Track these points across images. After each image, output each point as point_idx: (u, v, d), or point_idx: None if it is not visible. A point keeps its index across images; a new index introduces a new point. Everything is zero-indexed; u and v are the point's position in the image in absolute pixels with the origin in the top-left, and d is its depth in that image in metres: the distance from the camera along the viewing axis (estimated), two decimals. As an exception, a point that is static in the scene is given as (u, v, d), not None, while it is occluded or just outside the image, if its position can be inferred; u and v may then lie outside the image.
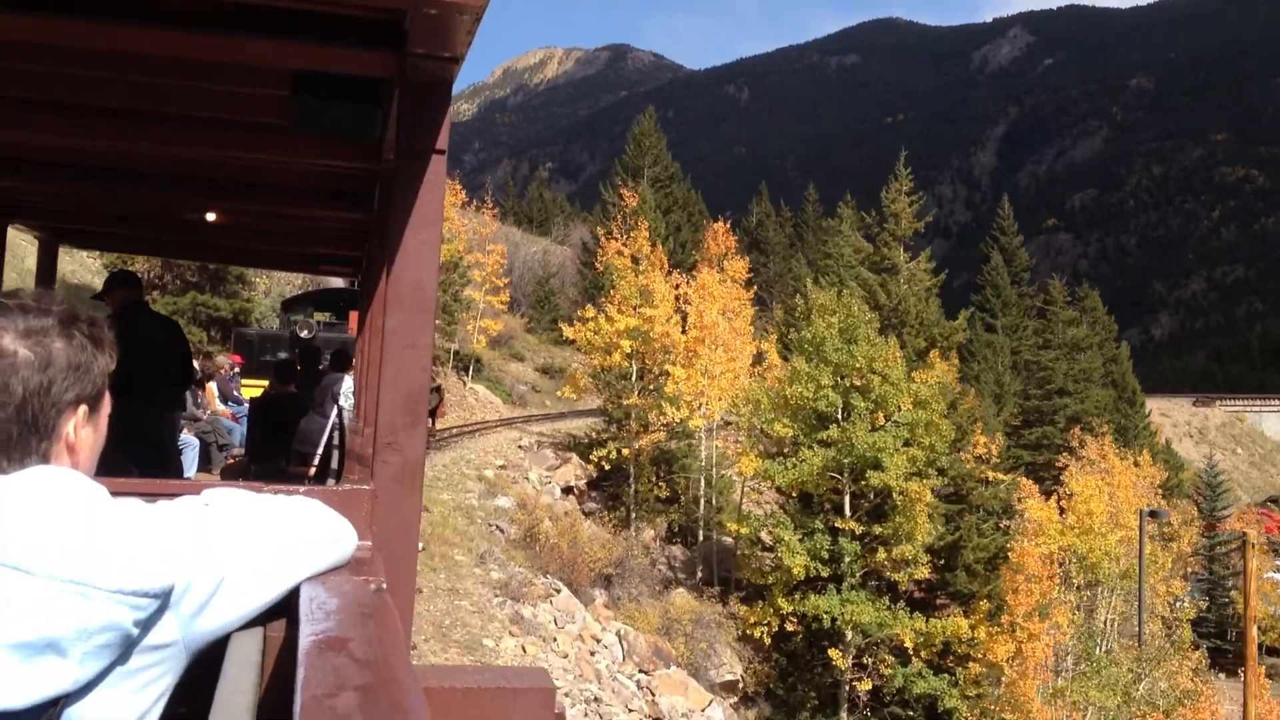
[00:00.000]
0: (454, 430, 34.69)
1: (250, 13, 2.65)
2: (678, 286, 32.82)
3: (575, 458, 34.94)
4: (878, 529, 25.70)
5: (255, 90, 3.59)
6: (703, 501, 31.99)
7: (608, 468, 32.40)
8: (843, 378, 26.51)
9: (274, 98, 3.37)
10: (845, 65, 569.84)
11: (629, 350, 32.21)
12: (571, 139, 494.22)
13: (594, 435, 34.55)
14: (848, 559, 25.77)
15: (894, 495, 25.12)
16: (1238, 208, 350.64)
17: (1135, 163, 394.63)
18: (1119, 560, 28.43)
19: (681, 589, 28.18)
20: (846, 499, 26.64)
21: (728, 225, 44.43)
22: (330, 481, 7.91)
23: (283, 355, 17.30)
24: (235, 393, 16.16)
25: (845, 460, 25.69)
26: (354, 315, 19.55)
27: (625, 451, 32.27)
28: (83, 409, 1.51)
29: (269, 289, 40.66)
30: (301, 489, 2.28)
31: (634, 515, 33.03)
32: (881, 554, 25.61)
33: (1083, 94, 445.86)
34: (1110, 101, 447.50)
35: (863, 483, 25.71)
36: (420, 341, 2.76)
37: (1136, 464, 33.53)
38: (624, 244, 36.69)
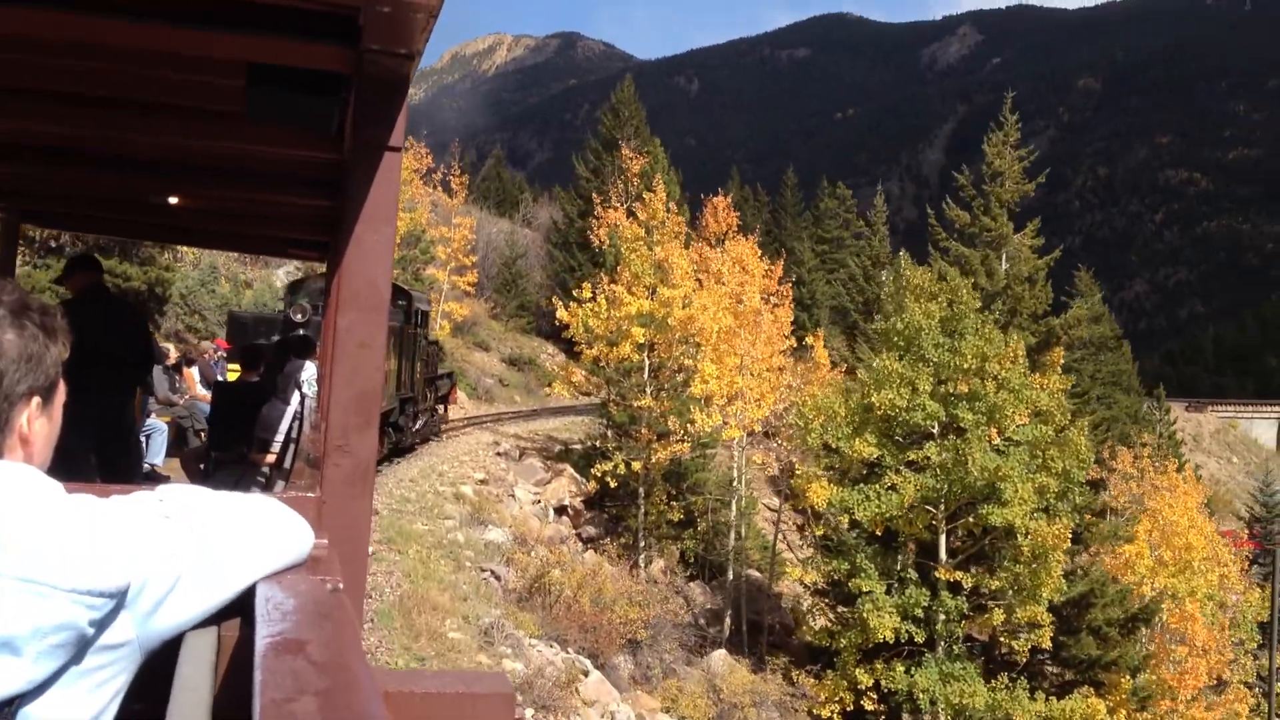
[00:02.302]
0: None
1: (206, 4, 2.64)
2: (704, 263, 26.52)
3: (569, 470, 28.64)
4: (993, 582, 19.70)
5: (216, 80, 3.50)
6: (733, 531, 25.81)
7: (613, 485, 26.15)
8: (943, 382, 20.49)
9: (235, 88, 3.02)
10: (796, 59, 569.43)
11: (641, 340, 25.98)
12: (520, 126, 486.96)
13: (594, 444, 28.30)
14: (943, 618, 19.78)
15: (1016, 537, 19.13)
16: (1181, 210, 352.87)
17: (1081, 163, 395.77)
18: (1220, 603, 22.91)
19: (721, 650, 22.00)
20: (942, 540, 20.65)
21: (729, 200, 38.13)
22: (279, 484, 7.57)
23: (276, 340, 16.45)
24: (220, 377, 15.70)
25: (947, 490, 19.67)
26: None
27: (636, 465, 26.04)
28: (36, 400, 1.49)
29: (198, 259, 34.11)
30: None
31: (644, 544, 26.84)
32: (997, 614, 19.62)
33: (1030, 93, 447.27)
34: (1057, 101, 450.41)
35: (969, 519, 19.72)
36: (374, 341, 2.73)
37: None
38: (627, 210, 30.26)
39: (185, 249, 30.45)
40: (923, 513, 20.37)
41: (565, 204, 58.60)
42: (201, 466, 9.63)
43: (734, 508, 25.73)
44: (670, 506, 27.69)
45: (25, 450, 1.48)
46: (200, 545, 1.55)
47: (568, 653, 16.30)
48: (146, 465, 11.24)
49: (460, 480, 25.67)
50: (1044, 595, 19.28)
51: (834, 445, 20.89)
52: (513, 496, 26.80)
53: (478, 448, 30.36)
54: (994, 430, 20.01)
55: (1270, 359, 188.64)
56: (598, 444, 27.96)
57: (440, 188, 42.57)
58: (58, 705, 1.27)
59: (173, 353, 15.99)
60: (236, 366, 15.11)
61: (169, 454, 12.28)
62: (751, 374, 24.24)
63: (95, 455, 6.99)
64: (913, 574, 20.03)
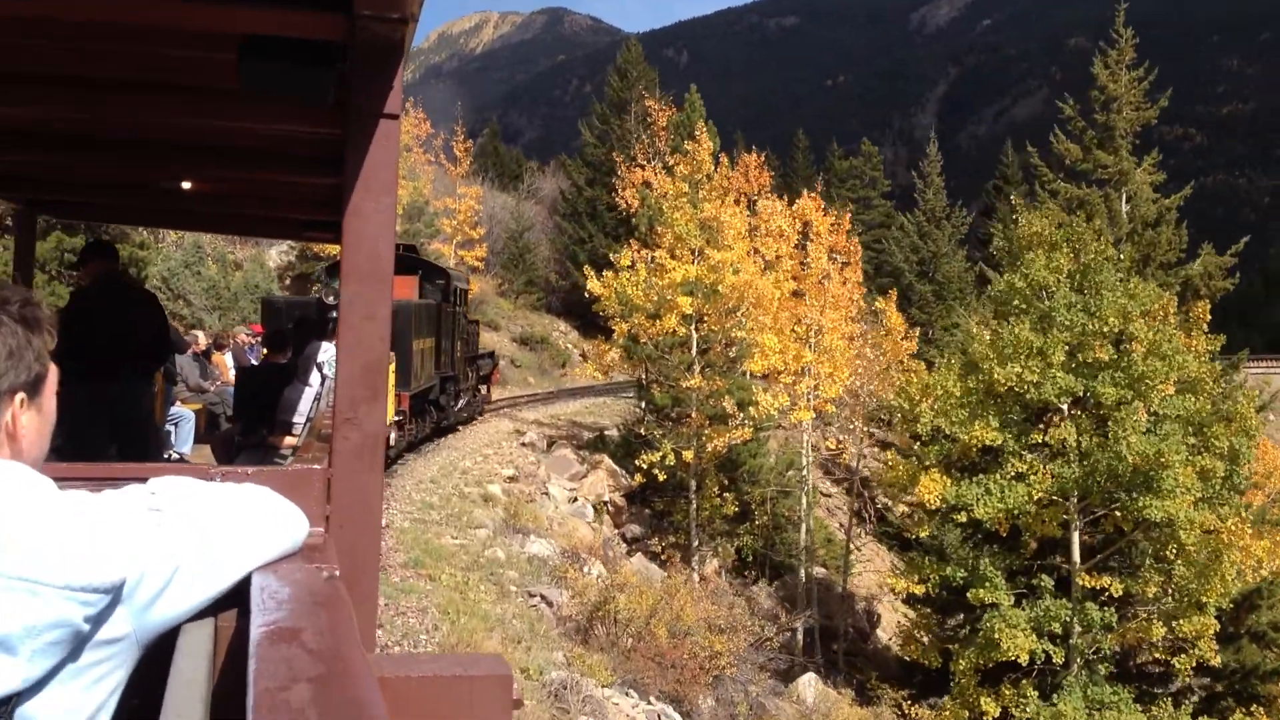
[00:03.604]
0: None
1: None
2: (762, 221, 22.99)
3: (607, 462, 25.29)
4: (1149, 588, 16.41)
5: (218, 56, 3.25)
6: (803, 526, 22.48)
7: (662, 477, 22.81)
8: (1075, 352, 17.11)
9: (235, 63, 2.96)
10: (784, 27, 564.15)
11: (688, 311, 22.57)
12: (509, 104, 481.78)
13: (633, 431, 24.97)
14: (1079, 630, 16.50)
15: (1178, 533, 15.75)
16: (1178, 166, 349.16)
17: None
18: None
19: (810, 675, 18.68)
20: (1075, 538, 17.33)
21: (761, 158, 34.46)
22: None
23: None
24: (254, 363, 14.90)
25: (1087, 479, 16.32)
26: None
27: (687, 455, 22.71)
28: (20, 396, 1.46)
29: (180, 237, 30.75)
30: (250, 470, 2.18)
31: (697, 543, 23.57)
32: (1156, 628, 16.30)
33: (1021, 54, 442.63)
34: (1049, 61, 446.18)
35: (1115, 513, 16.40)
36: (378, 312, 2.69)
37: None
38: (662, 166, 26.71)
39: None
40: (1055, 507, 17.03)
41: (573, 172, 54.98)
42: (228, 450, 9.52)
43: (803, 500, 22.39)
44: (723, 499, 24.41)
45: (13, 446, 1.45)
46: (195, 537, 1.53)
47: (649, 702, 13.08)
48: (175, 453, 11.03)
49: (487, 478, 22.55)
50: (1209, 604, 16.01)
51: (949, 431, 17.52)
52: (546, 494, 23.62)
53: (499, 437, 27.19)
54: (1140, 406, 16.63)
55: (1278, 313, 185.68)
56: (639, 431, 24.60)
57: (444, 154, 39.01)
58: (56, 703, 1.26)
59: (202, 339, 15.47)
60: None
61: (202, 440, 11.93)
62: (821, 346, 20.85)
63: (113, 442, 6.84)
64: (1046, 581, 16.75)
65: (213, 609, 1.57)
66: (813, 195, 22.57)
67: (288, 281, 34.09)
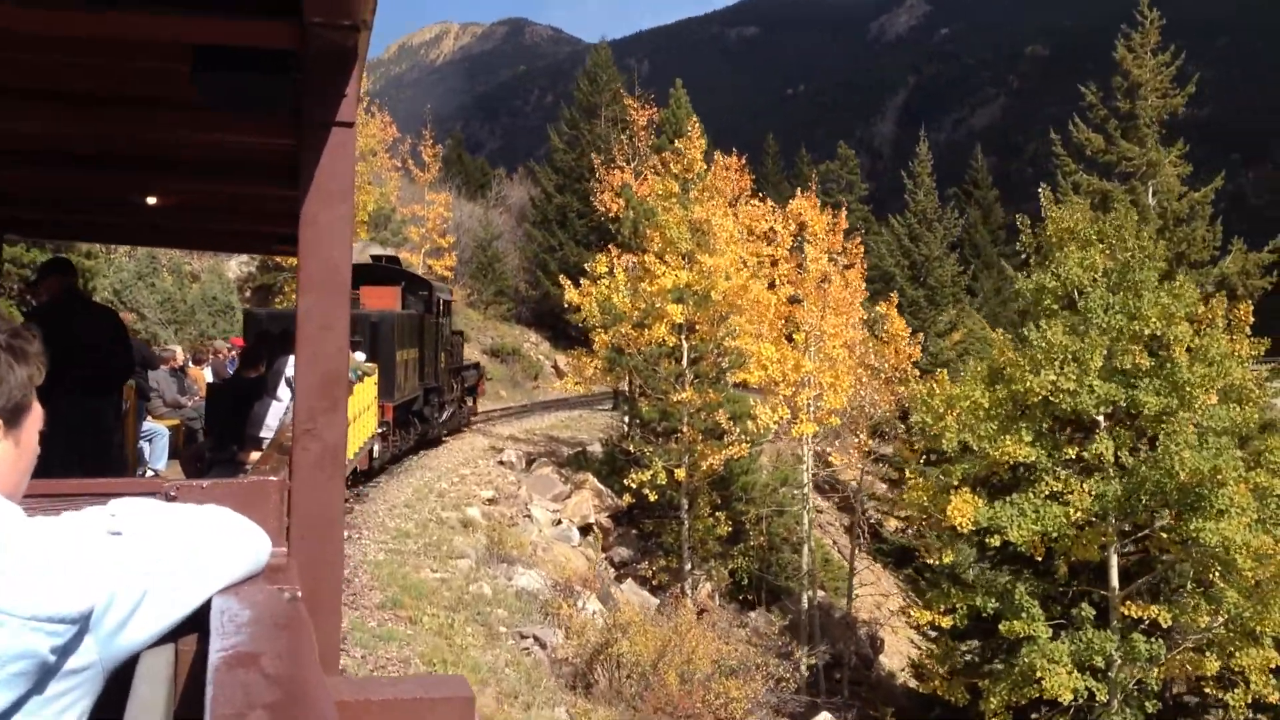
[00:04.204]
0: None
1: None
2: (758, 224, 21.52)
3: (592, 481, 23.70)
4: (1200, 618, 15.06)
5: (171, 66, 3.28)
6: (806, 548, 21.00)
7: (653, 497, 21.27)
8: (1110, 357, 15.75)
9: (188, 74, 3.04)
10: (745, 37, 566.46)
11: (679, 319, 21.07)
12: (471, 115, 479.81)
13: (619, 448, 23.44)
14: (1121, 664, 15.11)
15: (1234, 558, 14.38)
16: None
17: (1033, 130, 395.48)
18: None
19: (825, 715, 17.14)
20: (1113, 562, 15.95)
21: (741, 160, 33.04)
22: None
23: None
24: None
25: (1133, 499, 14.92)
26: (364, 289, 18.63)
27: (679, 473, 21.19)
28: None
29: (133, 248, 28.94)
30: (206, 484, 2.20)
31: (690, 566, 22.05)
32: (1210, 663, 14.95)
33: (980, 63, 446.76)
34: (1007, 70, 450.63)
35: (1161, 534, 15.03)
36: (336, 323, 2.69)
37: None
38: (650, 168, 25.19)
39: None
40: (1093, 529, 15.64)
41: (542, 179, 53.41)
42: (198, 465, 9.48)
43: (804, 519, 20.90)
44: (716, 519, 22.92)
45: None
46: (159, 562, 1.51)
47: (664, 762, 11.58)
48: (150, 470, 10.76)
49: (465, 500, 21.05)
50: (1265, 636, 14.69)
51: (977, 447, 16.09)
52: (529, 517, 22.06)
53: (475, 455, 25.70)
54: (1187, 417, 15.27)
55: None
56: (626, 448, 23.05)
57: (410, 160, 37.31)
58: None
59: (179, 354, 14.93)
60: None
61: (178, 456, 11.63)
62: (822, 354, 19.43)
63: (71, 459, 6.37)
64: (1087, 610, 15.36)
65: (173, 633, 1.53)
66: (807, 194, 21.14)
67: (248, 293, 32.32)
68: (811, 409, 19.75)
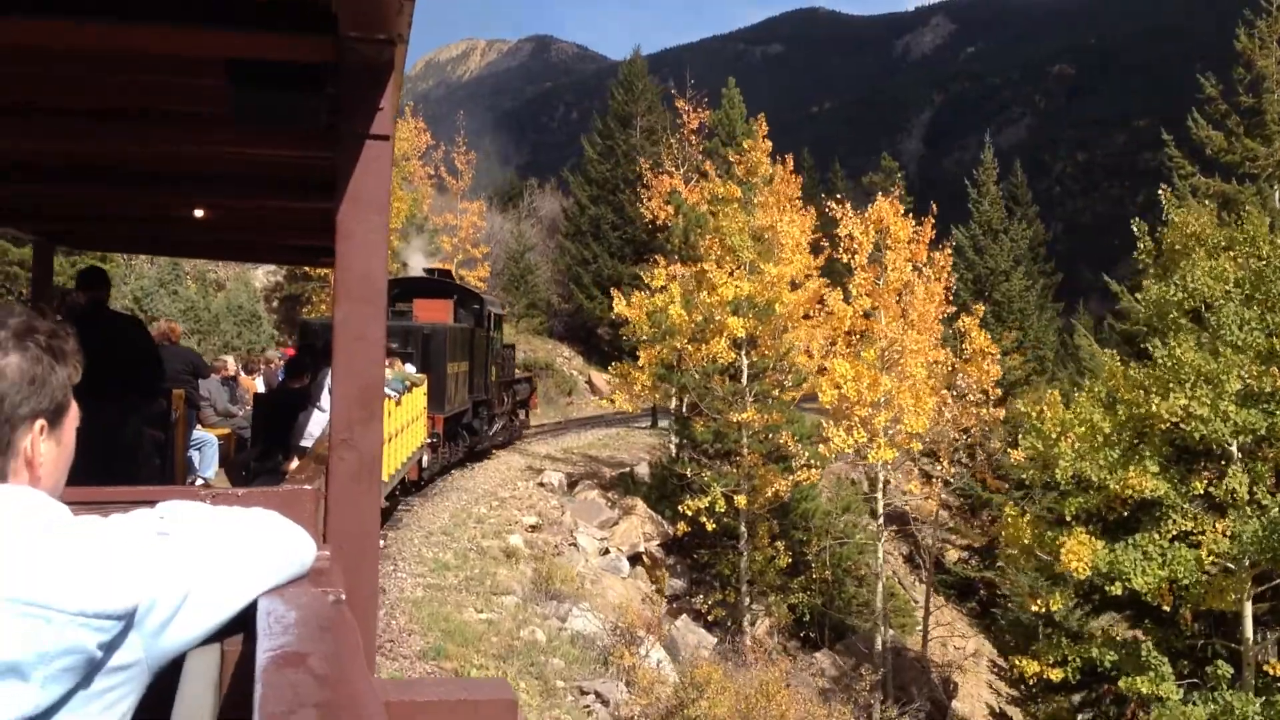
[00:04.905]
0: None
1: (181, 3, 2.62)
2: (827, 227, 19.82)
3: (641, 506, 22.00)
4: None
5: (208, 81, 3.34)
6: (880, 586, 19.23)
7: (711, 527, 19.58)
8: (1249, 379, 13.94)
9: (224, 89, 3.10)
10: (770, 55, 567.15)
11: (741, 333, 19.41)
12: (496, 131, 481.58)
13: (671, 470, 21.75)
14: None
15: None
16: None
17: (1059, 149, 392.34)
18: None
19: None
20: (1248, 614, 14.13)
21: (790, 164, 31.19)
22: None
23: None
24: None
25: (1276, 541, 13.09)
26: (417, 301, 19.01)
27: (740, 500, 19.49)
28: (40, 423, 1.46)
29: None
30: (241, 492, 2.21)
31: (749, 601, 20.33)
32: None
33: (1005, 81, 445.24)
34: (1033, 89, 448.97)
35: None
36: (371, 334, 2.68)
37: None
38: (698, 173, 23.56)
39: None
40: (1229, 575, 13.81)
41: (576, 190, 51.92)
42: (244, 474, 9.56)
43: (878, 552, 19.14)
44: (775, 549, 21.20)
45: (31, 474, 1.45)
46: (205, 562, 1.52)
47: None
48: (199, 478, 10.84)
49: (506, 527, 19.54)
50: None
51: (1096, 478, 14.28)
52: (575, 545, 20.48)
53: (512, 476, 24.19)
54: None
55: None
56: (679, 471, 21.35)
57: (443, 167, 35.91)
58: None
59: (230, 363, 14.83)
60: None
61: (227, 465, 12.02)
62: (904, 371, 17.73)
63: (101, 470, 5.46)
64: (1224, 669, 13.53)
65: (219, 633, 1.53)
66: (891, 198, 19.42)
67: (275, 303, 30.92)
68: (890, 432, 18.00)
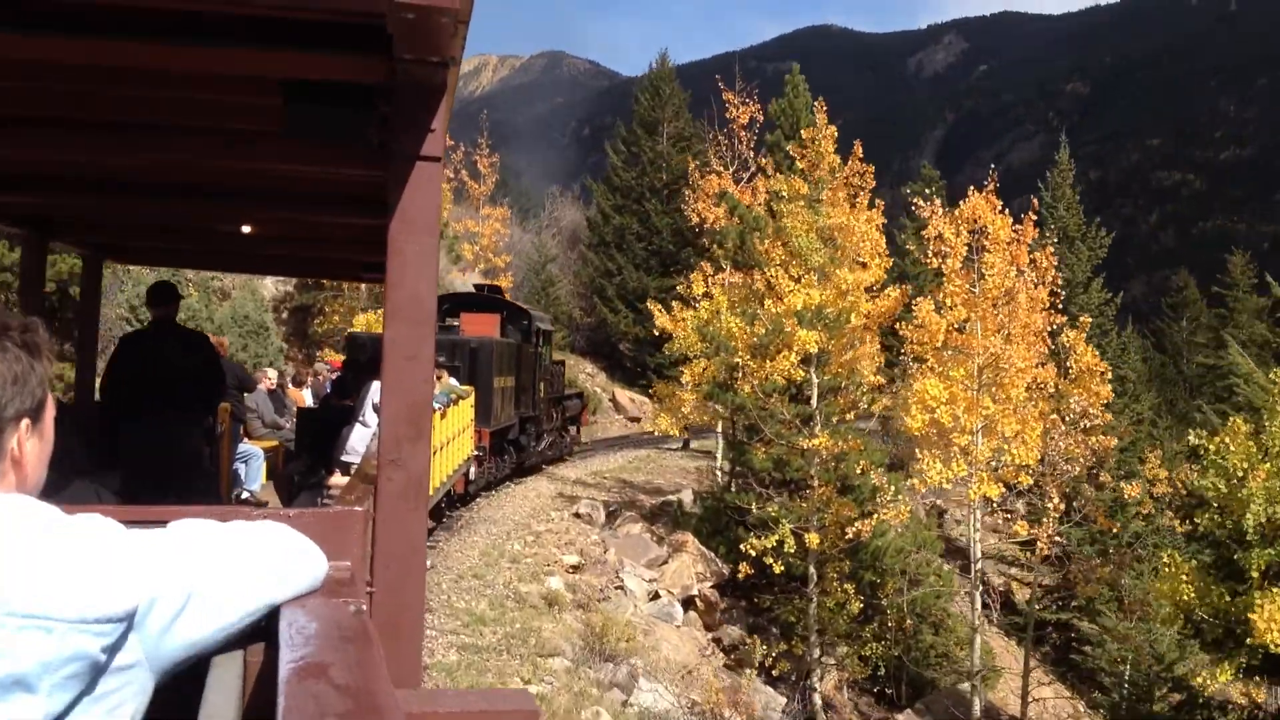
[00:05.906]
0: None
1: (238, 24, 2.61)
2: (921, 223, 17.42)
3: (692, 542, 19.57)
4: None
5: (264, 100, 3.36)
6: (978, 640, 16.75)
7: (779, 568, 17.14)
8: None
9: (280, 107, 3.17)
10: (782, 72, 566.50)
11: (813, 348, 17.01)
12: (508, 146, 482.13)
13: (735, 504, 19.30)
14: None
15: None
16: (1175, 211, 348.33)
17: (1073, 167, 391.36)
18: None
19: None
20: None
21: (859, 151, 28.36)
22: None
23: None
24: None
25: None
26: (464, 316, 19.04)
27: (812, 539, 17.05)
28: (25, 422, 1.42)
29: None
30: (292, 513, 2.12)
31: (818, 652, 17.86)
32: None
33: (1018, 99, 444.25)
34: (1046, 106, 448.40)
35: None
36: (421, 353, 2.70)
37: None
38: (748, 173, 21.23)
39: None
40: None
41: (599, 198, 49.64)
42: (289, 488, 9.44)
43: (975, 602, 16.64)
44: (845, 592, 18.74)
45: (18, 474, 1.41)
46: (209, 562, 1.49)
47: None
48: (245, 491, 10.83)
49: (544, 567, 17.21)
50: None
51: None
52: (622, 589, 18.05)
53: (543, 504, 21.94)
54: None
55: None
56: (738, 503, 18.91)
57: (464, 171, 33.64)
58: None
59: (273, 376, 14.70)
60: None
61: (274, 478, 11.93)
62: (1003, 393, 15.32)
63: (162, 483, 6.65)
64: None
65: (241, 643, 1.53)
66: (986, 193, 16.86)
67: (284, 314, 28.64)
68: (995, 465, 15.56)
